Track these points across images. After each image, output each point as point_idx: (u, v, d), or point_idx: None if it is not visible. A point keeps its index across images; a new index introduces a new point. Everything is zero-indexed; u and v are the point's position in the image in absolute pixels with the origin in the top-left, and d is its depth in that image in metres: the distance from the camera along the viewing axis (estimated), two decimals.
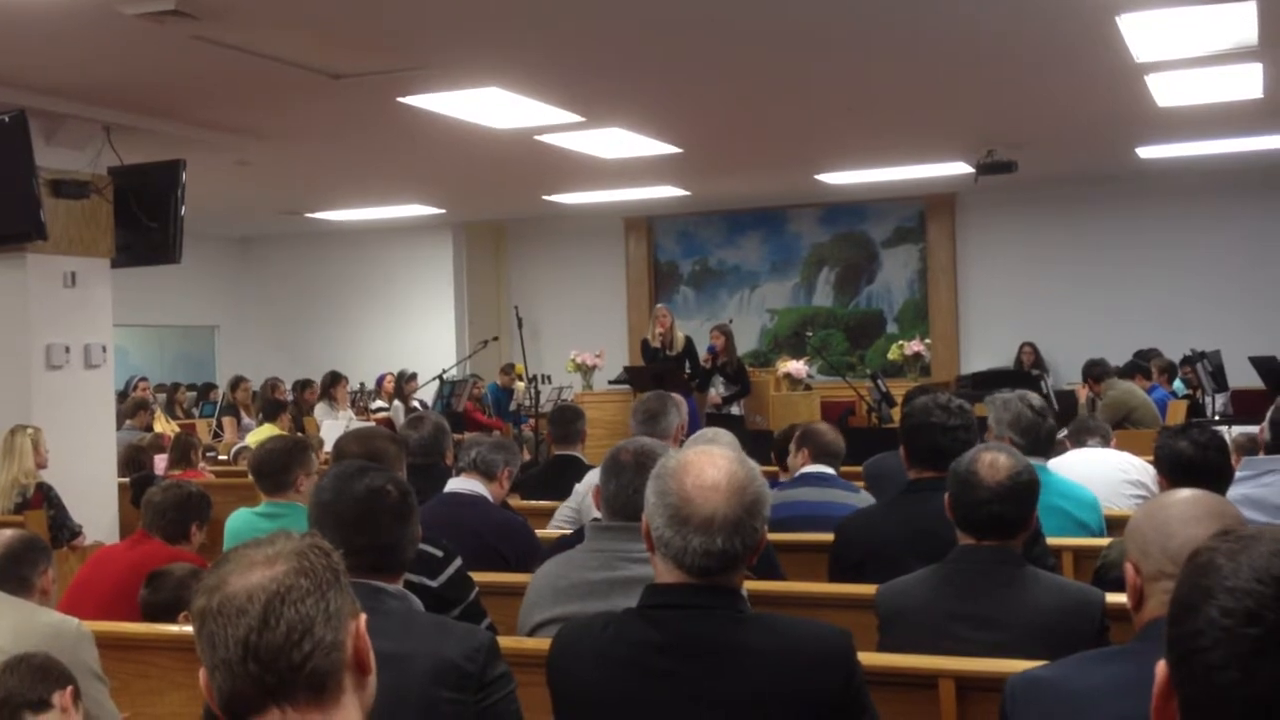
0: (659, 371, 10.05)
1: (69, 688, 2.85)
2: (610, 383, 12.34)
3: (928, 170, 11.75)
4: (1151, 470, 5.16)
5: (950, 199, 13.95)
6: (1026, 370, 12.49)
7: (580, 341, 13.69)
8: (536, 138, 9.19)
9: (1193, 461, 3.64)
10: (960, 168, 11.21)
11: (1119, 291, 13.27)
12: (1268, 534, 1.21)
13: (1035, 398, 4.35)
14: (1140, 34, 6.87)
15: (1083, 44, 7.11)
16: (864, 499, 4.70)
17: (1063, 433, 5.41)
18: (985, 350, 13.67)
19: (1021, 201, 13.52)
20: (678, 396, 5.40)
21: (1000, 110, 9.15)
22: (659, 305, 11.32)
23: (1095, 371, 9.13)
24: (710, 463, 2.27)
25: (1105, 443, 5.53)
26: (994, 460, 2.95)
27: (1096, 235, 13.45)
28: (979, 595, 2.85)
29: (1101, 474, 4.98)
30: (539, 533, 4.48)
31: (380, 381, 13.30)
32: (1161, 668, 1.21)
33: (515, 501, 5.70)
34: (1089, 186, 13.23)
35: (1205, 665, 1.13)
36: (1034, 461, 3.36)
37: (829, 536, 4.04)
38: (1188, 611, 1.17)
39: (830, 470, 4.82)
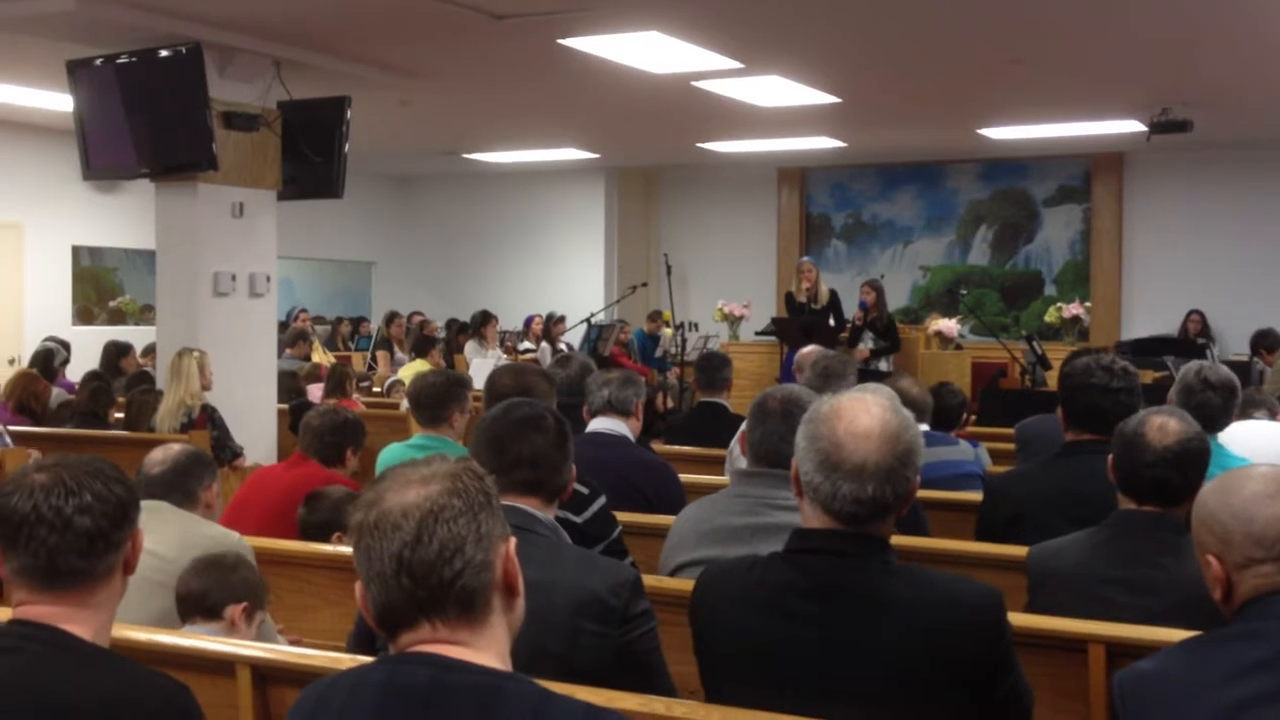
0: (809, 325, 9.96)
1: (242, 604, 2.96)
2: (757, 334, 12.30)
3: (1096, 127, 11.31)
4: None
5: (1118, 158, 13.43)
6: (1192, 339, 12.02)
7: (728, 291, 13.66)
8: (693, 84, 9.12)
9: None
10: (1131, 125, 10.78)
11: None
12: None
13: (1216, 370, 4.16)
14: None
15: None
16: (964, 450, 4.80)
17: None
18: (1148, 316, 13.18)
19: (1195, 163, 12.95)
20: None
21: (1178, 66, 8.73)
22: (804, 259, 11.18)
23: (1267, 341, 9.05)
24: (864, 409, 2.23)
25: (1271, 415, 5.31)
26: (1164, 424, 2.84)
27: (1274, 203, 12.82)
28: (1136, 561, 2.77)
29: (1268, 447, 4.77)
30: (683, 478, 4.48)
31: (529, 323, 13.48)
32: None
33: (659, 447, 5.73)
34: (1268, 151, 12.58)
35: None
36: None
37: (967, 495, 3.97)
38: None
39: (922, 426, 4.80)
